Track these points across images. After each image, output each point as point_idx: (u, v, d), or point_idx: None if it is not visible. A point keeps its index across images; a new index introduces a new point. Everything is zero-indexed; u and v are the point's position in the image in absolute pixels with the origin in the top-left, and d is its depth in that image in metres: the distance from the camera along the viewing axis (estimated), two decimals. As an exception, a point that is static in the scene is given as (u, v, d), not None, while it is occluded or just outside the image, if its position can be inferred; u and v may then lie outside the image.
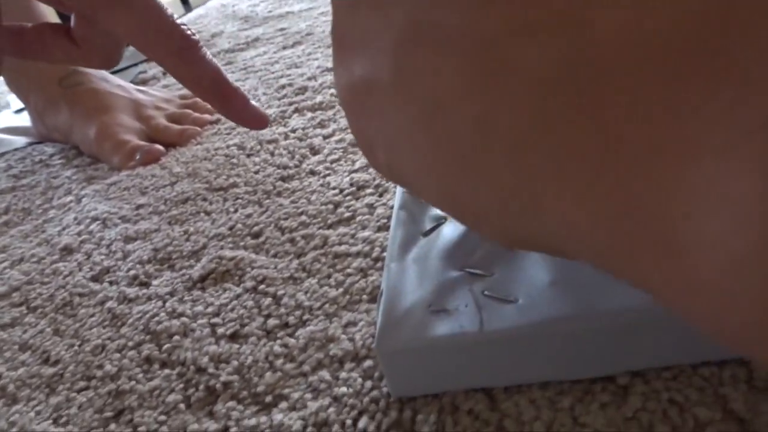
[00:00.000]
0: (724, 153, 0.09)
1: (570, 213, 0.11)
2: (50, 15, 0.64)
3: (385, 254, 0.31)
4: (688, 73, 0.09)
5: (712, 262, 0.09)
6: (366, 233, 0.33)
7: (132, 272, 0.37)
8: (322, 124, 0.50)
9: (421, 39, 0.13)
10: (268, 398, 0.25)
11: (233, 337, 0.29)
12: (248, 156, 0.48)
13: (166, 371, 0.28)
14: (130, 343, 0.31)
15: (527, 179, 0.12)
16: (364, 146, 0.17)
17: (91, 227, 0.44)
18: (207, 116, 0.58)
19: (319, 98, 0.55)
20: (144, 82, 0.78)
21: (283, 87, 0.61)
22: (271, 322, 0.29)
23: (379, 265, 0.31)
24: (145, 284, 0.36)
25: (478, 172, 0.13)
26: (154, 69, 0.82)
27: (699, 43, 0.09)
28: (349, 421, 0.23)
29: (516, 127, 0.12)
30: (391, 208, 0.35)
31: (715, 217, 0.09)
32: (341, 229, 0.35)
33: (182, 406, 0.26)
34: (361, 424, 0.22)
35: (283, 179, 0.43)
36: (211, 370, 0.27)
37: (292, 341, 0.28)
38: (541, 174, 0.12)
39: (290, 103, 0.56)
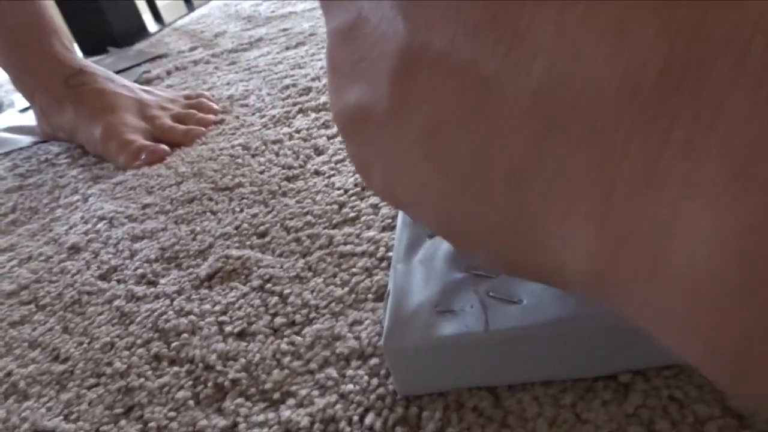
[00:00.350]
0: (690, 194, 0.09)
1: (571, 238, 0.12)
2: (55, 15, 0.64)
3: (389, 254, 0.31)
4: (667, 110, 0.10)
5: (678, 287, 0.10)
6: (371, 233, 0.34)
7: (139, 271, 0.37)
8: (326, 125, 0.50)
9: (417, 67, 0.13)
10: (276, 395, 0.26)
11: (241, 335, 0.30)
12: (253, 156, 0.48)
13: (175, 368, 0.29)
14: (139, 341, 0.31)
15: (526, 206, 0.12)
16: (361, 169, 0.18)
17: (98, 226, 0.44)
18: (211, 116, 0.59)
19: (323, 99, 0.55)
20: (148, 82, 0.78)
21: (287, 87, 0.61)
22: (278, 320, 0.30)
23: (383, 264, 0.31)
24: (153, 283, 0.36)
25: (476, 199, 0.13)
26: (158, 69, 0.83)
27: (680, 82, 0.09)
28: (355, 418, 0.23)
29: (513, 154, 0.12)
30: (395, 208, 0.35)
31: (684, 250, 0.10)
32: (346, 229, 0.35)
33: (191, 402, 0.27)
34: (368, 420, 0.23)
35: (288, 179, 0.43)
36: (219, 367, 0.28)
37: (298, 339, 0.28)
38: (541, 200, 0.12)
39: (294, 104, 0.56)
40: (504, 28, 0.12)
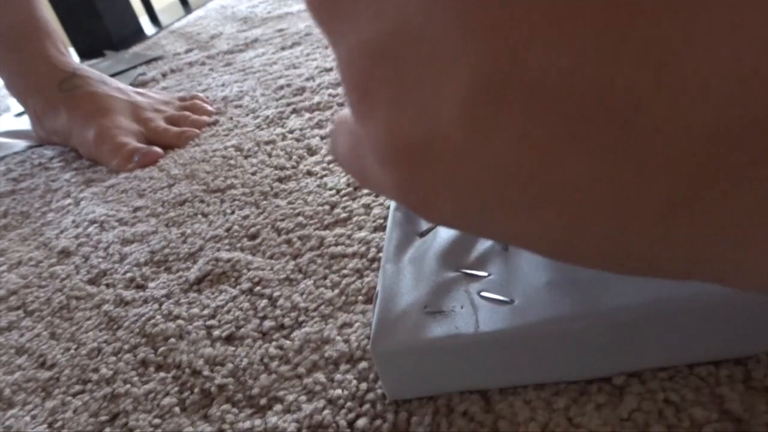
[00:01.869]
0: None
1: (746, 263, 0.11)
2: (51, 18, 0.64)
3: (381, 255, 0.30)
4: None
5: None
6: (362, 234, 0.33)
7: (129, 275, 0.37)
8: (319, 125, 0.50)
9: (501, 92, 0.11)
10: (263, 401, 0.25)
11: (229, 340, 0.29)
12: (246, 157, 0.48)
13: (162, 374, 0.28)
14: (126, 346, 0.31)
15: (684, 236, 0.11)
16: (418, 203, 0.15)
17: (89, 230, 0.44)
18: (205, 118, 0.58)
19: (317, 98, 0.55)
20: (143, 84, 0.78)
21: (281, 88, 0.60)
22: (267, 323, 0.29)
23: (375, 265, 0.31)
24: (142, 287, 0.35)
25: (612, 229, 0.12)
26: (153, 71, 0.82)
27: None
28: (344, 423, 0.23)
29: (670, 189, 0.11)
30: (388, 208, 0.35)
31: None
32: (337, 230, 0.35)
33: (177, 409, 0.26)
34: (357, 426, 0.22)
35: (281, 180, 0.43)
36: (206, 372, 0.27)
37: (287, 343, 0.27)
38: (710, 229, 0.11)
39: (288, 104, 0.56)
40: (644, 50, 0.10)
